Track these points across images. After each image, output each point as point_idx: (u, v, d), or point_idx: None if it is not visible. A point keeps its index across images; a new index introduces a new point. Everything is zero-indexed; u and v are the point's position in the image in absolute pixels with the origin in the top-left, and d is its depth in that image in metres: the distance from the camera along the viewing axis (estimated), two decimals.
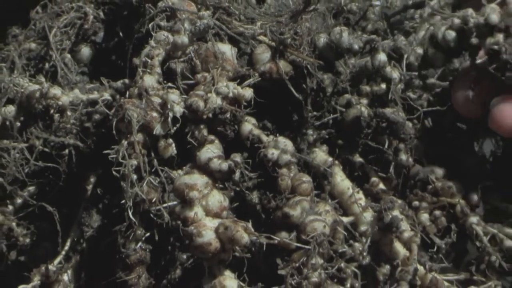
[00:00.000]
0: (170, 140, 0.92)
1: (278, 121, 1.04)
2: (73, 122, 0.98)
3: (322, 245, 0.91)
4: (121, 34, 1.07)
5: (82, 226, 1.00)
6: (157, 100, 0.92)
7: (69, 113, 0.98)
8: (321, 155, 1.05)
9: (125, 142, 0.90)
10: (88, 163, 1.00)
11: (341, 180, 1.03)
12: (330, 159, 1.04)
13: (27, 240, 0.99)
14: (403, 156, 1.05)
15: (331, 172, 1.02)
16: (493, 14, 1.02)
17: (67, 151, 0.99)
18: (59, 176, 0.99)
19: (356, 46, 1.04)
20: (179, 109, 0.91)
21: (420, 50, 1.08)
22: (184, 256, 0.95)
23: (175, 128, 0.92)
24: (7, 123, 0.96)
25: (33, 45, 1.08)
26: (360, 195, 1.02)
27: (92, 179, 1.01)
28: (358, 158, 1.07)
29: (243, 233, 0.88)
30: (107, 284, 0.95)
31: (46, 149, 0.98)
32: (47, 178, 1.00)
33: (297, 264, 0.90)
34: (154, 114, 0.91)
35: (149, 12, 1.02)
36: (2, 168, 0.96)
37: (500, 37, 1.01)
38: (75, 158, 0.99)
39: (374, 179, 1.05)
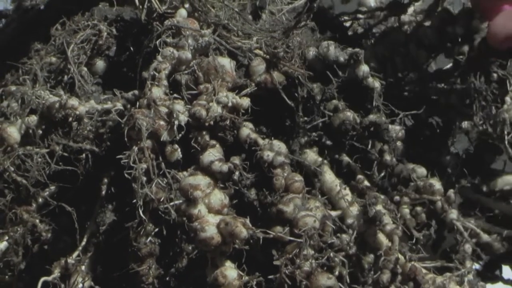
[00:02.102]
0: (176, 146, 0.93)
1: (272, 126, 1.05)
2: (89, 129, 0.99)
3: (313, 238, 0.92)
4: (131, 48, 1.08)
5: (97, 222, 1.00)
6: (164, 110, 0.93)
7: (85, 121, 0.99)
8: (311, 155, 1.06)
9: (135, 148, 0.91)
10: (103, 165, 1.01)
11: (329, 178, 1.04)
12: (320, 159, 1.05)
13: (49, 235, 0.99)
14: (388, 157, 1.06)
15: (321, 171, 1.03)
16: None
17: (84, 155, 0.99)
18: (77, 178, 1.00)
19: (341, 59, 1.04)
20: (183, 118, 0.93)
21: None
22: (190, 248, 0.96)
23: (180, 134, 0.93)
24: (30, 131, 0.97)
25: (53, 59, 1.09)
26: (347, 191, 1.03)
27: (106, 180, 1.01)
28: (345, 158, 1.08)
29: (242, 228, 0.90)
30: (120, 275, 0.96)
31: (65, 154, 0.99)
32: (66, 180, 1.00)
33: (290, 255, 0.91)
34: (162, 122, 0.93)
35: (156, 30, 1.03)
36: (26, 172, 0.96)
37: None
38: (91, 161, 1.00)
39: (360, 176, 1.06)
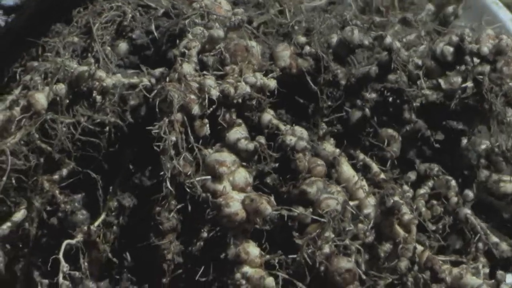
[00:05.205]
0: (206, 120, 0.92)
1: (293, 113, 1.04)
2: (114, 103, 0.97)
3: (335, 220, 0.91)
4: (154, 32, 1.06)
5: (118, 196, 0.98)
6: (194, 85, 0.92)
7: (111, 94, 0.97)
8: (329, 147, 1.05)
9: (166, 120, 0.89)
10: (125, 140, 0.99)
11: (347, 169, 1.03)
12: (338, 150, 1.04)
13: (68, 206, 0.97)
14: (407, 114, 1.05)
15: (339, 161, 1.02)
16: (485, 46, 1.02)
17: (107, 128, 0.97)
18: (99, 152, 0.98)
19: (366, 42, 1.05)
20: (215, 92, 0.92)
21: (419, 62, 1.08)
22: (209, 226, 0.94)
23: (211, 109, 0.92)
24: (58, 98, 0.95)
25: (76, 39, 1.07)
26: (364, 182, 1.02)
27: (128, 155, 0.99)
28: (360, 155, 1.07)
29: (267, 205, 0.89)
30: (139, 249, 0.95)
31: (90, 126, 0.97)
32: (86, 155, 0.98)
33: (312, 236, 0.90)
34: (192, 96, 0.91)
35: (184, 12, 1.03)
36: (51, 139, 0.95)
37: (487, 68, 1.02)
38: (114, 135, 0.98)
39: (376, 170, 1.05)
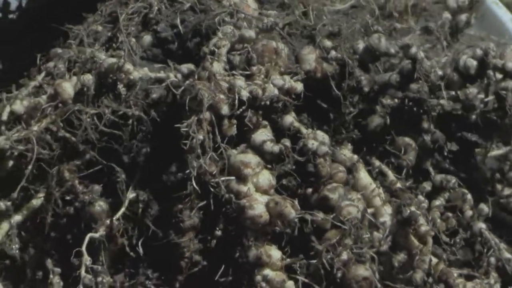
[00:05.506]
0: (234, 120, 0.92)
1: (314, 117, 1.04)
2: (140, 96, 0.97)
3: (356, 227, 0.91)
4: (179, 26, 1.06)
5: (137, 190, 0.97)
6: (224, 85, 0.92)
7: (137, 87, 0.96)
8: (347, 153, 1.05)
9: (194, 118, 0.89)
10: (148, 135, 0.98)
11: (364, 176, 1.03)
12: (355, 156, 1.04)
13: (86, 197, 0.96)
14: (425, 124, 1.05)
15: (357, 167, 1.02)
16: (510, 61, 1.03)
17: (130, 121, 0.97)
18: (120, 143, 0.97)
19: (392, 50, 1.05)
20: (245, 93, 0.91)
21: (440, 72, 1.08)
22: (228, 227, 0.94)
23: (240, 110, 0.91)
24: (85, 89, 0.94)
25: (99, 28, 1.07)
26: (380, 190, 1.02)
27: (149, 150, 0.98)
28: (376, 161, 1.07)
29: (291, 209, 0.89)
30: (157, 245, 0.94)
31: (114, 118, 0.96)
32: (110, 144, 0.97)
33: (332, 242, 0.90)
34: (222, 96, 0.91)
35: (212, 9, 1.02)
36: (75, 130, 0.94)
37: (510, 84, 1.02)
38: (137, 129, 0.97)
39: (392, 178, 1.05)
